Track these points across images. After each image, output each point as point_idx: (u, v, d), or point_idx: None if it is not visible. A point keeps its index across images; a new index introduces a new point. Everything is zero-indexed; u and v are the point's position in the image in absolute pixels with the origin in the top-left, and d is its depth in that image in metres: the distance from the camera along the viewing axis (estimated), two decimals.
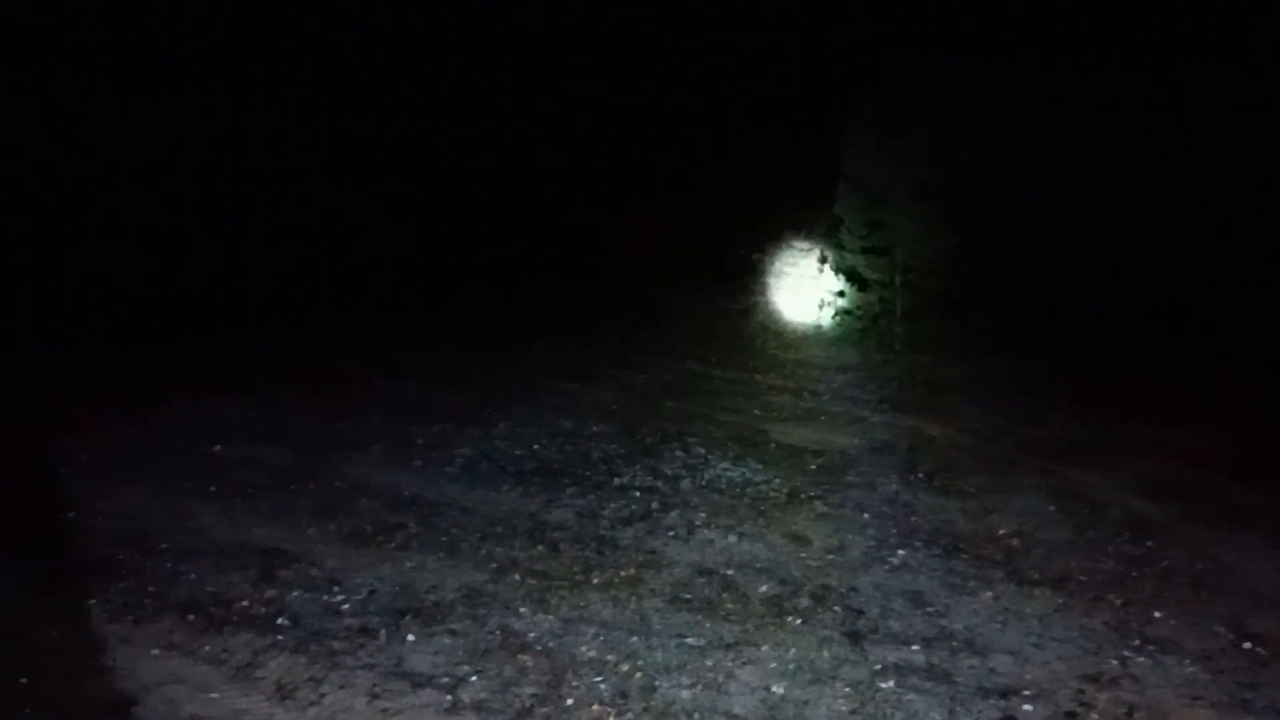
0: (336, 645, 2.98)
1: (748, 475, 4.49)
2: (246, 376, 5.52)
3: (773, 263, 8.95)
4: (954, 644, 3.14)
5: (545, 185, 9.19)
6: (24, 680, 2.71)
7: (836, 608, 3.33)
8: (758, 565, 3.61)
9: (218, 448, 4.36)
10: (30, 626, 2.97)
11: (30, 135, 7.19)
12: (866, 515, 4.11)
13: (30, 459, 4.19)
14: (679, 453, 4.72)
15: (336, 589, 3.30)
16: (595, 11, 8.79)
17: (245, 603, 3.18)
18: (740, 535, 3.86)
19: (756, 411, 5.43)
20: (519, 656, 2.97)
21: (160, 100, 7.75)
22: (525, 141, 9.18)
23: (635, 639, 3.08)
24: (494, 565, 3.53)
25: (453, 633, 3.08)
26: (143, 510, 3.74)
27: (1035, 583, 3.58)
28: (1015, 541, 3.92)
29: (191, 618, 3.08)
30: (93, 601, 3.13)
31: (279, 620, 3.10)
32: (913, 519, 4.09)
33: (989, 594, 3.48)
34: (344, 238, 8.51)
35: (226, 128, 8.04)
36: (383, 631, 3.07)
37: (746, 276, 8.83)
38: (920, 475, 4.58)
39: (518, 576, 3.45)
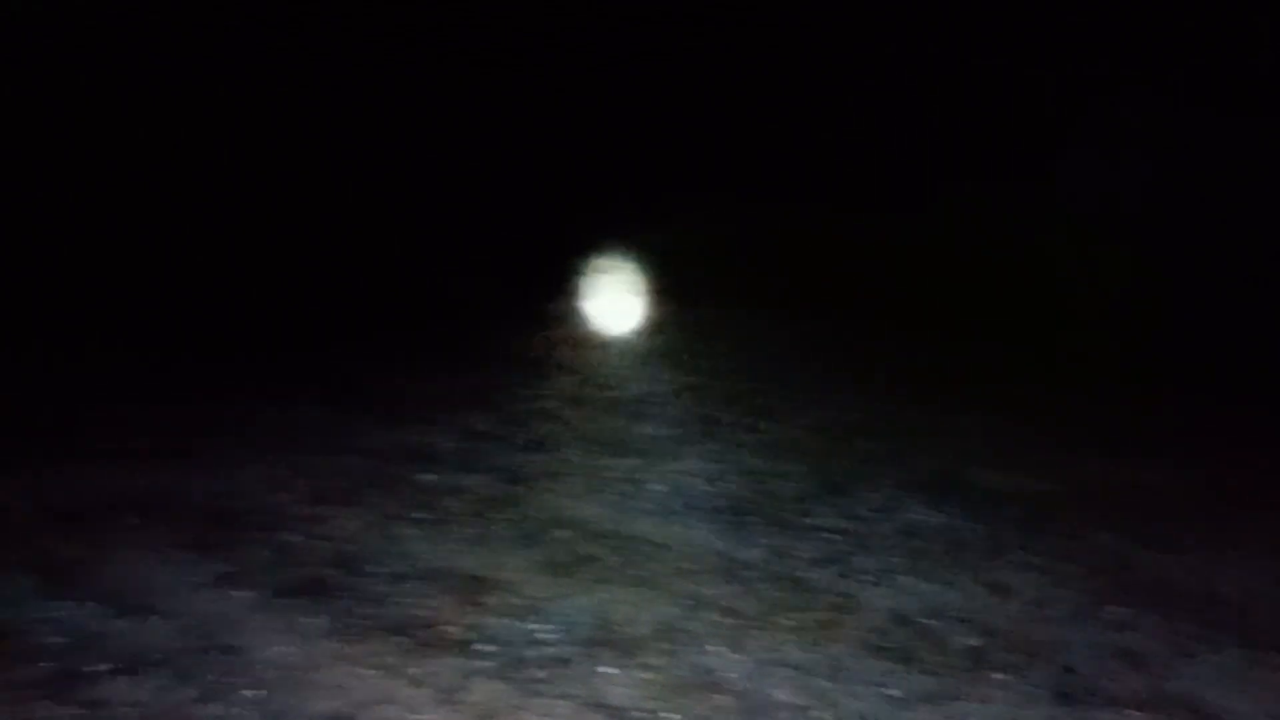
0: (536, 674, 3.05)
1: (945, 519, 4.35)
2: (443, 406, 5.75)
3: (951, 295, 8.72)
4: (1177, 710, 2.94)
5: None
6: (251, 693, 2.89)
7: (1045, 664, 3.18)
8: (958, 615, 3.48)
9: (428, 476, 4.57)
10: (257, 642, 3.16)
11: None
12: (1075, 566, 3.91)
13: (254, 481, 4.48)
14: (872, 494, 4.63)
15: (536, 618, 3.39)
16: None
17: (451, 628, 3.30)
18: (938, 582, 3.74)
19: (952, 453, 5.26)
20: (714, 696, 2.96)
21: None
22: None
23: (830, 685, 3.03)
24: (687, 602, 3.54)
25: (648, 667, 3.11)
26: (357, 534, 3.94)
27: (1267, 646, 3.31)
28: (1242, 600, 3.65)
29: (401, 640, 3.22)
30: (312, 620, 3.31)
31: (482, 646, 3.20)
32: (1127, 572, 3.87)
33: (1215, 657, 3.25)
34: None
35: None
36: (580, 663, 3.12)
37: (928, 308, 8.63)
38: (1134, 525, 4.33)
39: (710, 614, 3.45)
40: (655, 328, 8.32)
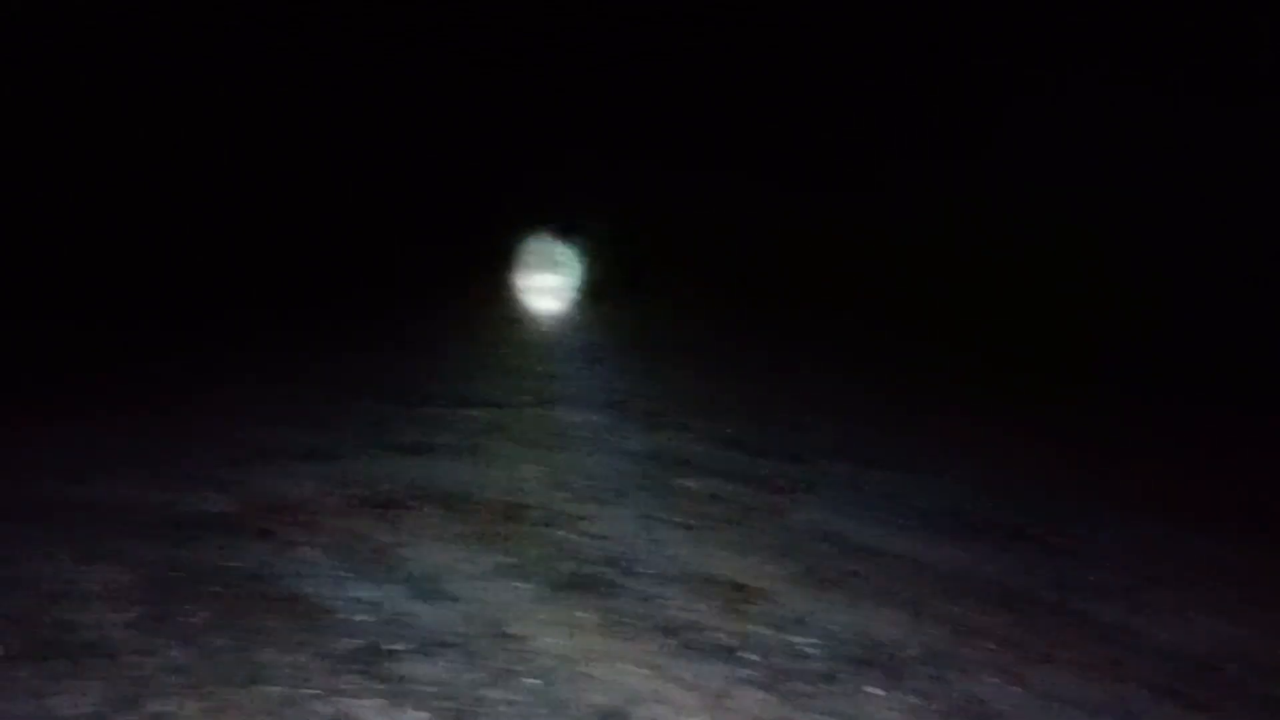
0: (802, 687, 3.05)
1: (1250, 553, 4.02)
2: (698, 412, 5.86)
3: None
4: None
5: None
6: (533, 681, 3.05)
7: None
8: (1265, 661, 3.22)
9: (688, 482, 4.68)
10: (536, 632, 3.33)
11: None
12: None
13: (534, 480, 4.72)
14: (1157, 522, 4.35)
15: (799, 630, 3.39)
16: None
17: (716, 633, 3.36)
18: (1239, 623, 3.47)
19: (1250, 478, 4.86)
20: None
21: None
22: None
23: None
24: (956, 626, 3.45)
25: (917, 693, 3.05)
26: (624, 534, 4.09)
27: None
28: None
29: (669, 641, 3.30)
30: (586, 615, 3.45)
31: (747, 654, 3.23)
32: None
33: None
34: None
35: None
36: (846, 680, 3.10)
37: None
38: None
39: (982, 642, 3.35)
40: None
